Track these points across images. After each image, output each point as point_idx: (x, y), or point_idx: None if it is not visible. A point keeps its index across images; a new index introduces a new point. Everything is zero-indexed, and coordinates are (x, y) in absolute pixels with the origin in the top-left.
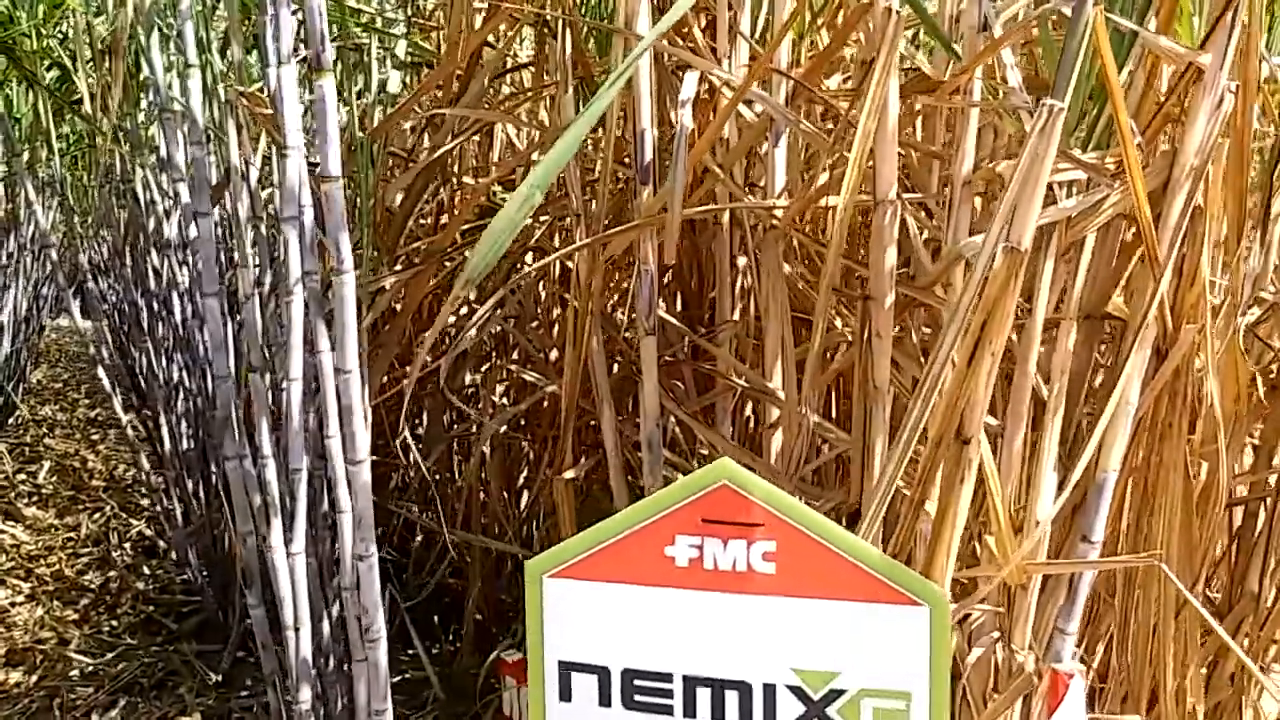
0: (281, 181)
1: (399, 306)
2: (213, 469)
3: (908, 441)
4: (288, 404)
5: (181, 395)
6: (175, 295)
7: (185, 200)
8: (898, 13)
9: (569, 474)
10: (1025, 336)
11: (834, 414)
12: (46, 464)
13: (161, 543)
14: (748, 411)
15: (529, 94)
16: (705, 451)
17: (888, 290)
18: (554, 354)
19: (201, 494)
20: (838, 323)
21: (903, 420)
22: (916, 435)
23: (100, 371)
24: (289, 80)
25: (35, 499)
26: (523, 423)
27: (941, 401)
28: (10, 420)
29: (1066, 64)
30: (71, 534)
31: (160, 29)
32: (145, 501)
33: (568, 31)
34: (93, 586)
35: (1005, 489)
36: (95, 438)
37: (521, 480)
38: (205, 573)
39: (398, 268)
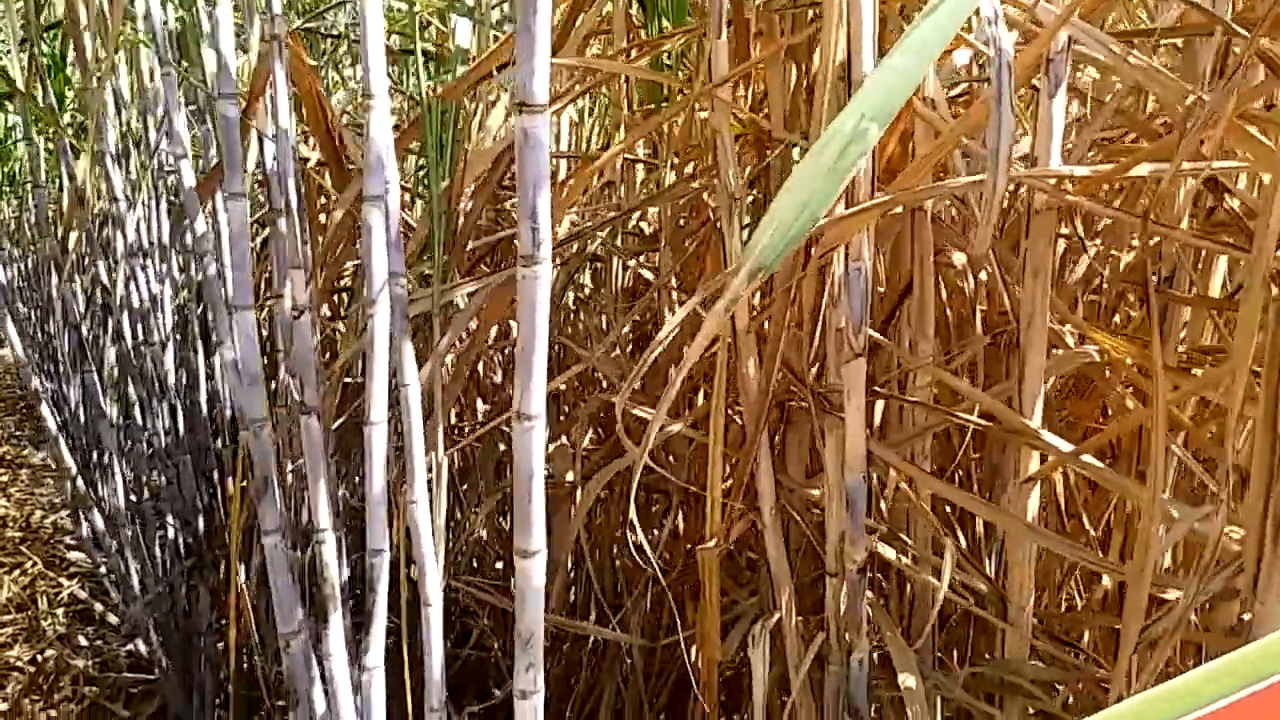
0: (366, 145)
1: (474, 325)
2: (170, 523)
3: None
4: (369, 458)
5: (130, 437)
6: (126, 316)
7: (189, 183)
8: None
9: (714, 544)
10: None
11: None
12: None
13: (99, 605)
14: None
15: (635, 51)
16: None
17: None
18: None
19: (159, 554)
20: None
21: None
22: None
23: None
24: None
25: None
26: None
27: None
28: None
29: None
30: None
31: None
32: (74, 556)
33: None
34: (21, 664)
35: None
36: (4, 479)
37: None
38: (163, 647)
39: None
